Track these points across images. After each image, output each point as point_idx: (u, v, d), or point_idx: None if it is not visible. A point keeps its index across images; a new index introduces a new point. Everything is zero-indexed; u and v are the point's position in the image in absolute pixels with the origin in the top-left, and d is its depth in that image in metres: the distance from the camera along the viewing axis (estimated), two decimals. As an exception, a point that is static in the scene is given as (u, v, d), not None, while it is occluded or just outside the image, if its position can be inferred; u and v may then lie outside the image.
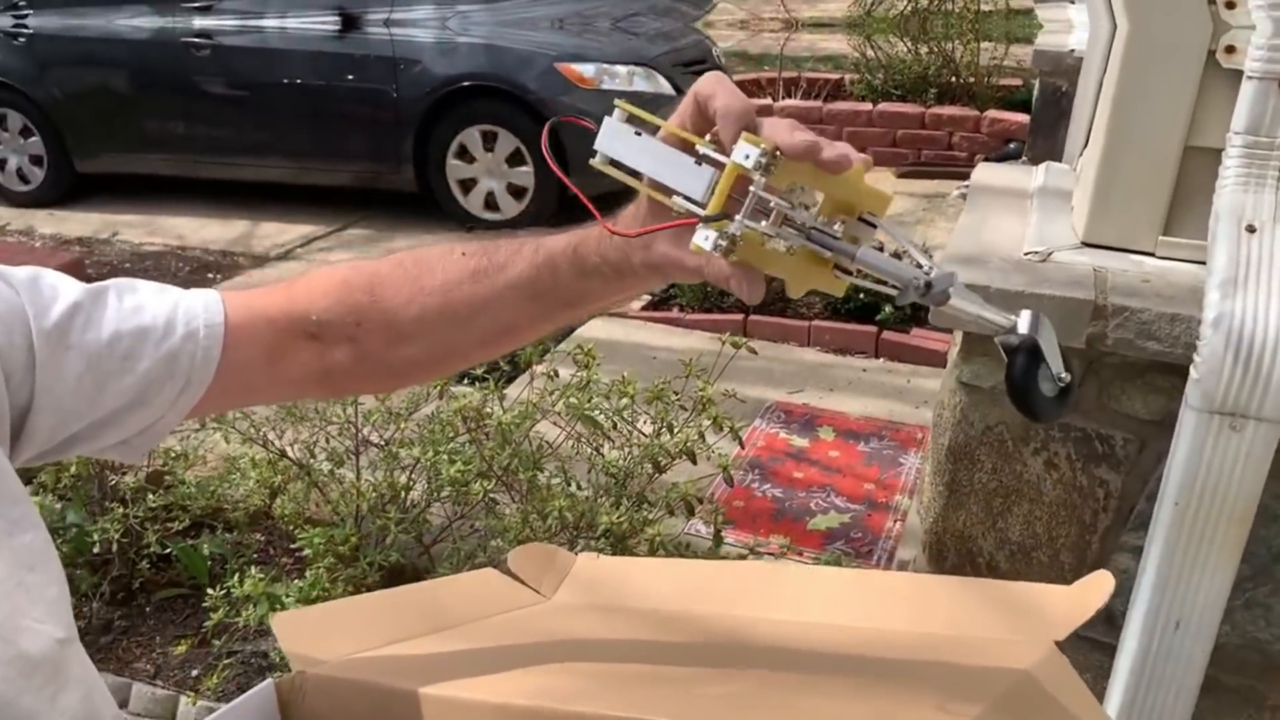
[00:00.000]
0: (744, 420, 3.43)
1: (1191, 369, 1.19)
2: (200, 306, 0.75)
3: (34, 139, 5.97)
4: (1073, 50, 3.44)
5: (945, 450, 1.53)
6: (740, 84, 6.64)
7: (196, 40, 5.63)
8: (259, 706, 0.76)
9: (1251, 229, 1.18)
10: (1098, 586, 0.78)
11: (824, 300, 4.19)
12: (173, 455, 2.55)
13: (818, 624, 0.86)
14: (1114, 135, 1.39)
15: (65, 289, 0.71)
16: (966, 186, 1.47)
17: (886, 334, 3.96)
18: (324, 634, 0.86)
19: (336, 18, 5.45)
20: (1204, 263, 1.24)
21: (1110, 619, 1.50)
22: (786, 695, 0.70)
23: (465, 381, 2.49)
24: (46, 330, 0.68)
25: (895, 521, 2.92)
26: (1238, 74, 1.23)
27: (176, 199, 6.07)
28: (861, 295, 4.04)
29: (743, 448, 2.50)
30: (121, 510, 2.34)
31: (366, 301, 0.78)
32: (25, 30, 5.86)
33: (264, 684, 0.78)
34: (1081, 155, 1.91)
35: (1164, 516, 1.31)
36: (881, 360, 3.96)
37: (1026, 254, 1.50)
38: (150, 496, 2.36)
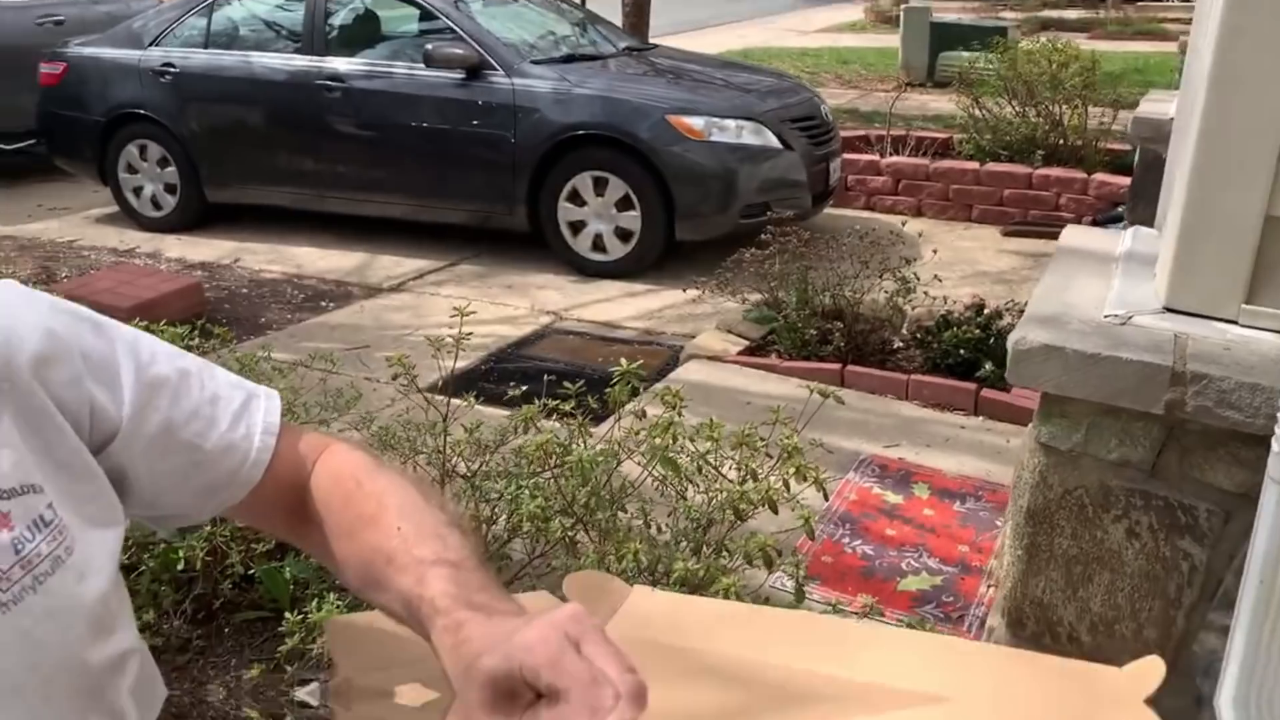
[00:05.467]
0: (837, 472, 3.41)
1: (1273, 441, 1.16)
2: (259, 432, 0.85)
3: (170, 169, 6.36)
4: (1173, 119, 3.37)
5: (1024, 513, 1.51)
6: (848, 140, 6.69)
7: (329, 83, 5.93)
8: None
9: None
10: (1148, 673, 0.77)
11: (925, 354, 4.14)
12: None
13: (879, 685, 0.85)
14: (1195, 202, 1.37)
15: (161, 354, 0.81)
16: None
17: (986, 392, 3.89)
18: (371, 646, 0.90)
19: (461, 69, 5.69)
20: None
21: (1198, 702, 1.45)
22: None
23: (554, 418, 2.54)
24: (144, 383, 0.78)
25: (989, 587, 2.85)
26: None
27: (300, 230, 6.36)
28: (962, 351, 3.98)
29: (827, 500, 2.48)
30: (209, 529, 2.36)
31: (321, 512, 0.84)
32: (172, 69, 6.28)
33: (309, 687, 0.83)
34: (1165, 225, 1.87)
35: (1249, 595, 1.26)
36: (980, 418, 3.89)
37: (1107, 316, 1.49)
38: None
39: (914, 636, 0.95)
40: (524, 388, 2.66)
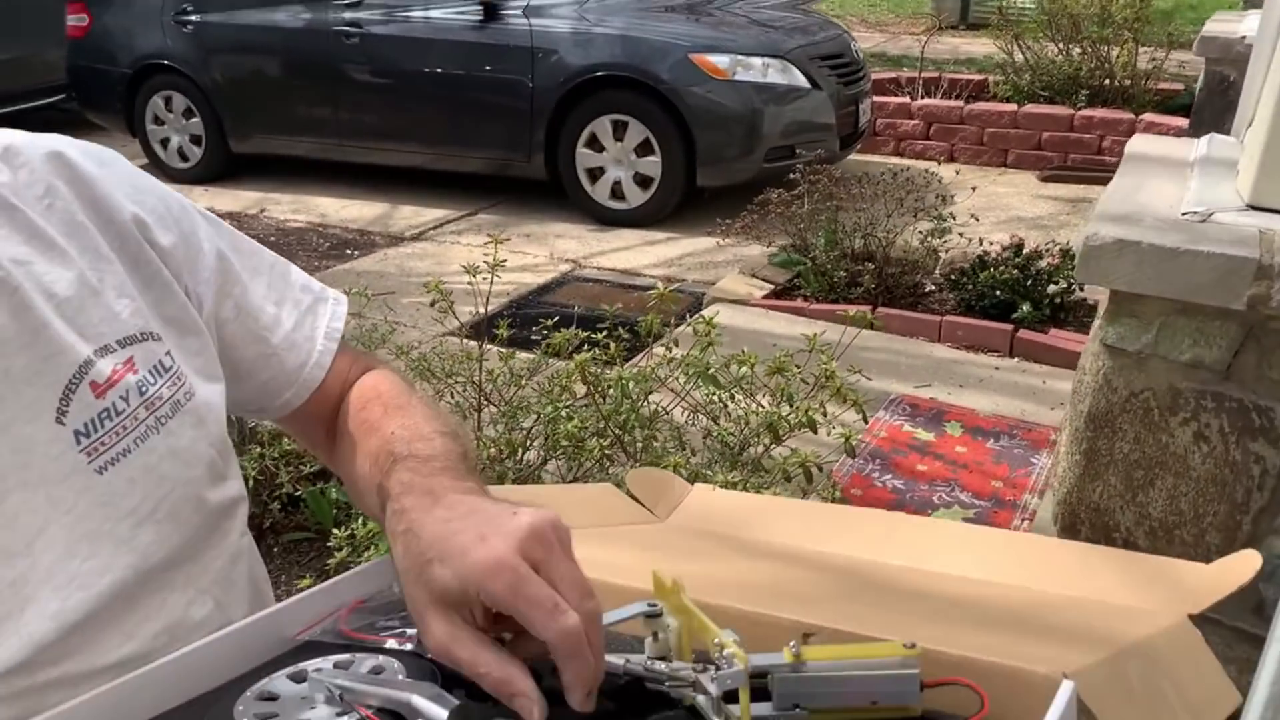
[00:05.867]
0: (867, 411, 3.35)
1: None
2: (321, 336, 0.86)
3: (195, 120, 6.28)
4: (1244, 37, 3.24)
5: (1085, 417, 1.44)
6: (878, 82, 6.52)
7: (347, 29, 5.84)
8: (378, 574, 0.76)
9: None
10: (1242, 565, 0.73)
11: (958, 296, 4.05)
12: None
13: (938, 573, 0.82)
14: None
15: (243, 246, 0.84)
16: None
17: (1023, 333, 3.80)
18: None
19: (478, 7, 5.57)
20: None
21: (1260, 608, 1.39)
22: (914, 624, 0.66)
23: (586, 348, 2.49)
24: (223, 269, 0.80)
25: (1023, 520, 2.80)
26: None
27: (323, 181, 6.31)
28: (998, 292, 3.90)
29: (867, 422, 2.43)
30: (259, 450, 2.41)
31: (342, 425, 0.85)
32: (193, 19, 6.19)
33: (384, 558, 0.79)
34: (1250, 126, 1.79)
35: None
36: (1016, 360, 3.81)
37: (1185, 214, 1.41)
38: (285, 440, 2.43)
39: (985, 532, 0.90)
40: (545, 333, 2.62)
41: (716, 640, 0.57)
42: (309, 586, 2.42)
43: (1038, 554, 0.85)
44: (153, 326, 0.73)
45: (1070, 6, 6.60)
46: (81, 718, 0.58)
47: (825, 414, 2.17)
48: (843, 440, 2.02)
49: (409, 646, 0.64)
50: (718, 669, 0.56)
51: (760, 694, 0.56)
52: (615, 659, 0.60)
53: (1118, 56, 6.48)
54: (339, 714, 0.58)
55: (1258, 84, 1.83)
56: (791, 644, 0.56)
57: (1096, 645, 0.62)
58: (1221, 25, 3.67)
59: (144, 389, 0.70)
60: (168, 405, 0.71)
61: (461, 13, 5.61)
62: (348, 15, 5.85)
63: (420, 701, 0.57)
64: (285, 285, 0.85)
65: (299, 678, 0.62)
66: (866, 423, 2.29)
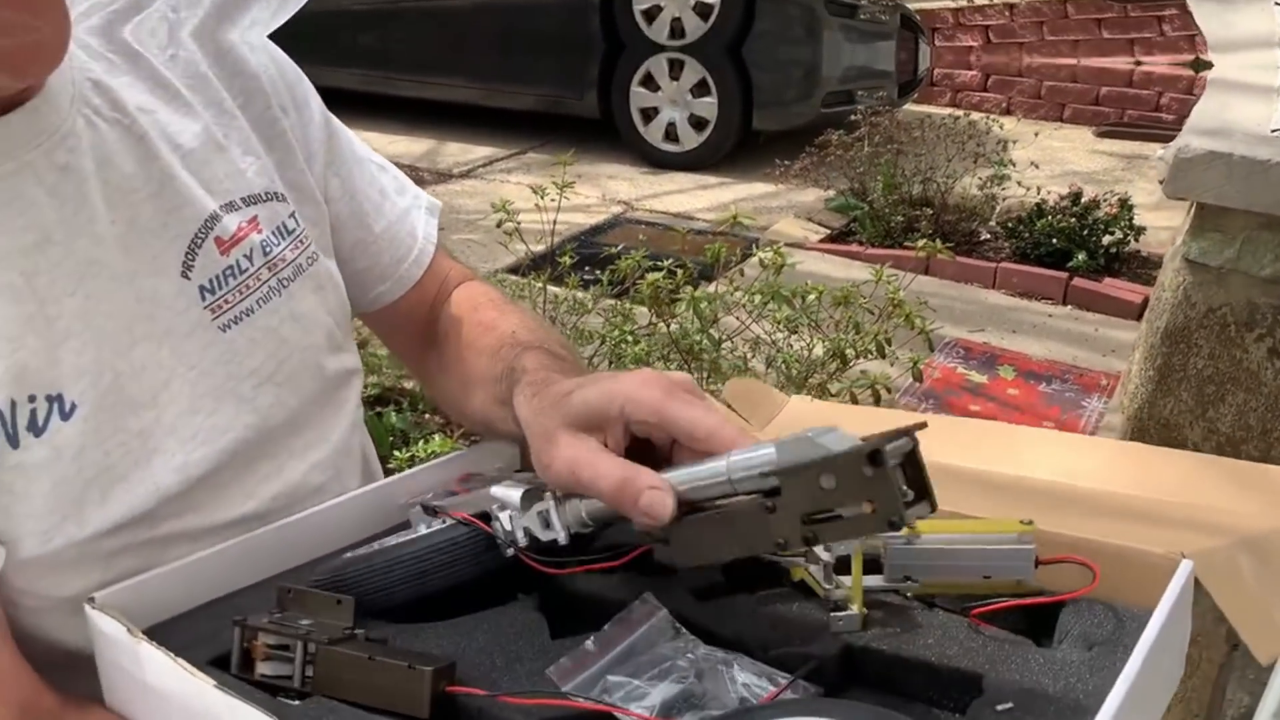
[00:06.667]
0: (922, 353, 3.37)
1: None
2: (421, 234, 0.83)
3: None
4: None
5: (1161, 333, 1.47)
6: (923, 11, 6.35)
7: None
8: (500, 450, 0.77)
9: None
10: None
11: (1013, 244, 4.04)
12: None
13: (1053, 481, 0.81)
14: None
15: (347, 133, 0.81)
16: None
17: (1078, 280, 3.79)
18: None
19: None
20: None
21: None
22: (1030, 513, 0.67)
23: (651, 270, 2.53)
24: (333, 150, 0.78)
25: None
26: None
27: (369, 114, 6.26)
28: (1054, 240, 3.88)
29: (933, 350, 2.45)
30: None
31: (446, 329, 0.83)
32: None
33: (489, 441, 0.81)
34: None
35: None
36: (1069, 307, 3.80)
37: (1275, 130, 1.42)
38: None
39: (1091, 441, 0.91)
40: (596, 272, 2.63)
41: None
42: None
43: (1143, 460, 0.86)
44: (278, 187, 0.71)
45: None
46: (202, 572, 0.61)
47: (891, 342, 2.21)
48: (911, 366, 2.05)
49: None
50: (828, 545, 0.55)
51: (872, 566, 0.57)
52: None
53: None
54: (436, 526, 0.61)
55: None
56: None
57: (1211, 534, 0.64)
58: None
59: (268, 249, 0.69)
60: (290, 268, 0.70)
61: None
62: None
63: (499, 490, 0.59)
64: (387, 178, 0.83)
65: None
66: (931, 350, 2.32)
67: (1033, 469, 0.80)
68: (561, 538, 0.57)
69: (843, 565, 0.57)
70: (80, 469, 0.60)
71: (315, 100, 0.79)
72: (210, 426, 0.66)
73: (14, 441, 0.58)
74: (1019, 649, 0.53)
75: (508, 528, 0.58)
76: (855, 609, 0.55)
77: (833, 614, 0.55)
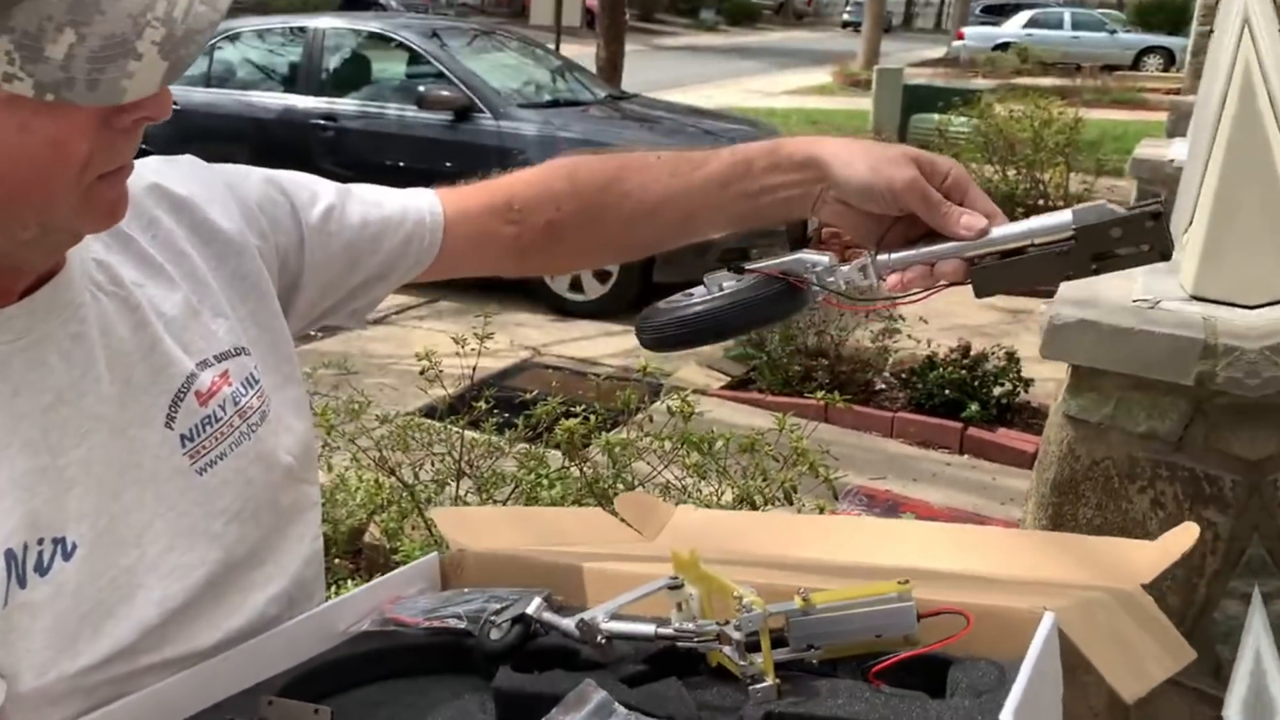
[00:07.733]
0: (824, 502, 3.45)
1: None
2: (425, 204, 0.93)
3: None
4: (1172, 160, 3.53)
5: (1050, 484, 1.56)
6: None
7: (323, 122, 6.00)
8: (424, 573, 0.84)
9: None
10: (1183, 537, 0.80)
11: (909, 394, 4.22)
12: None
13: (913, 568, 0.88)
14: (1222, 200, 1.46)
15: (322, 190, 0.89)
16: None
17: (972, 430, 3.97)
18: (475, 527, 0.95)
19: (450, 111, 5.79)
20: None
21: (1218, 670, 1.49)
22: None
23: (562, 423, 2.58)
24: (313, 221, 0.86)
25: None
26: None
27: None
28: (947, 391, 4.07)
29: (837, 499, 2.53)
30: None
31: (566, 188, 0.92)
32: (175, 105, 6.30)
33: (430, 555, 0.86)
34: (1186, 233, 1.98)
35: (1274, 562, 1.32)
36: (966, 456, 3.96)
37: (1136, 301, 1.56)
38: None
39: (949, 528, 0.99)
40: (506, 415, 2.69)
41: (736, 594, 0.64)
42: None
43: (998, 542, 0.93)
44: (243, 342, 0.79)
45: (1005, 130, 7.03)
46: (150, 705, 0.65)
47: (797, 490, 2.27)
48: (818, 513, 2.11)
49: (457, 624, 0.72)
50: (739, 625, 0.63)
51: (777, 642, 0.64)
52: (646, 627, 0.67)
53: (1051, 178, 6.92)
54: None
55: (1193, 195, 2.03)
56: (800, 589, 0.63)
57: (1067, 595, 0.70)
58: (1151, 150, 3.99)
59: (237, 399, 0.76)
60: (257, 414, 0.78)
61: (436, 112, 5.81)
62: (322, 108, 6.02)
63: (806, 254, 0.81)
64: (371, 192, 0.93)
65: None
66: (836, 498, 2.40)
67: (909, 558, 0.87)
68: (876, 285, 0.78)
69: (752, 645, 0.64)
70: (77, 604, 0.65)
71: (281, 197, 0.86)
72: (185, 563, 0.71)
73: (22, 582, 0.63)
74: (917, 702, 0.61)
75: (829, 279, 0.79)
76: (770, 680, 0.62)
77: (751, 687, 0.62)
